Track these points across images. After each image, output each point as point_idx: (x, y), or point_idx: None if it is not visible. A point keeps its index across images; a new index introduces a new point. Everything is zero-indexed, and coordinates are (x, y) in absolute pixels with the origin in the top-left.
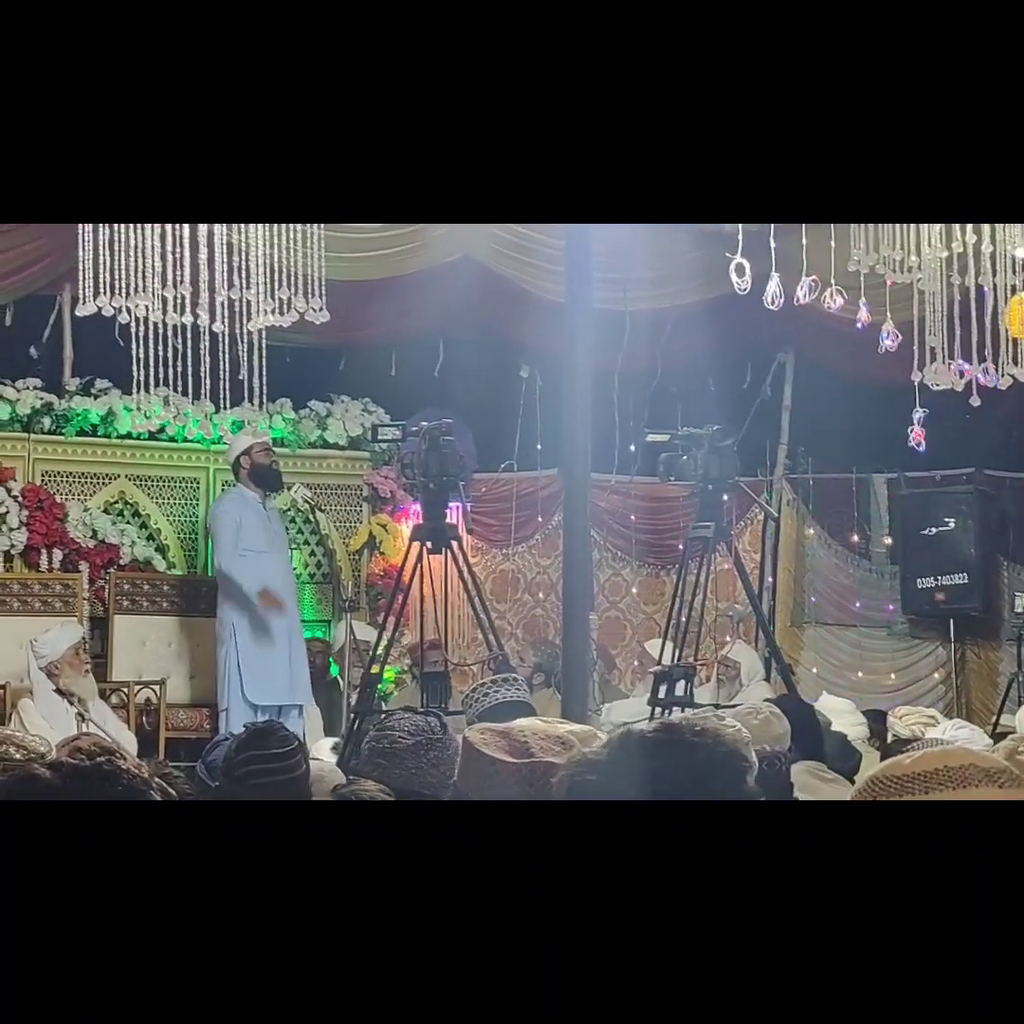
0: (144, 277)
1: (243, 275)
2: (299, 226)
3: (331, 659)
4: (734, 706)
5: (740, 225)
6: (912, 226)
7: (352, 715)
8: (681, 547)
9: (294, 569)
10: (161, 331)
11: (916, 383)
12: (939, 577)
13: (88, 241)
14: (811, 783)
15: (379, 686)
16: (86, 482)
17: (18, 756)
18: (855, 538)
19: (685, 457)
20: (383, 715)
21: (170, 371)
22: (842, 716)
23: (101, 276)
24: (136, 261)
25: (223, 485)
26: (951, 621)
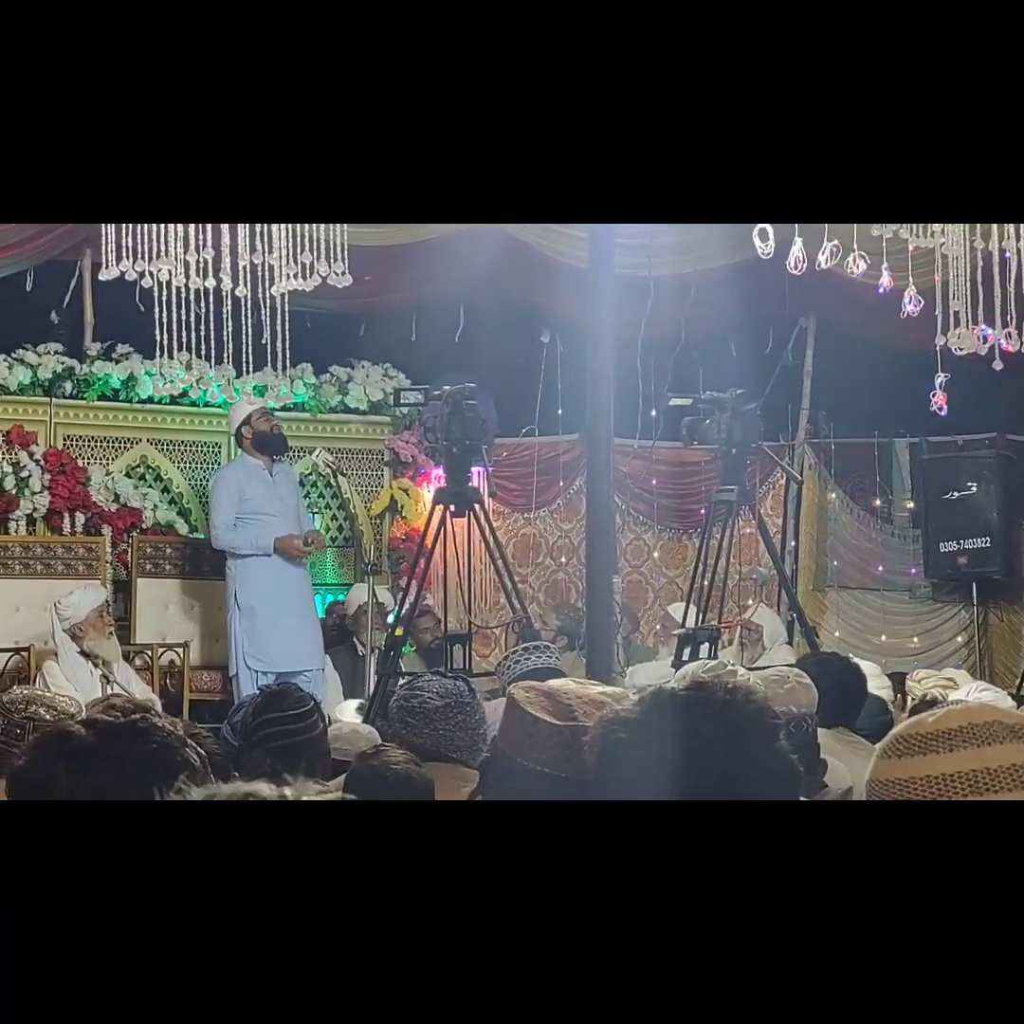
0: (166, 241)
1: (265, 239)
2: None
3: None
4: (759, 668)
5: None
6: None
7: (377, 677)
8: (704, 511)
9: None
10: (183, 295)
11: (938, 348)
12: (961, 541)
13: None
14: (834, 746)
15: (402, 648)
16: (108, 446)
17: (48, 717)
18: (877, 502)
19: (708, 421)
20: (410, 676)
21: (192, 335)
22: (868, 679)
23: (123, 241)
24: (158, 225)
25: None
26: (974, 584)
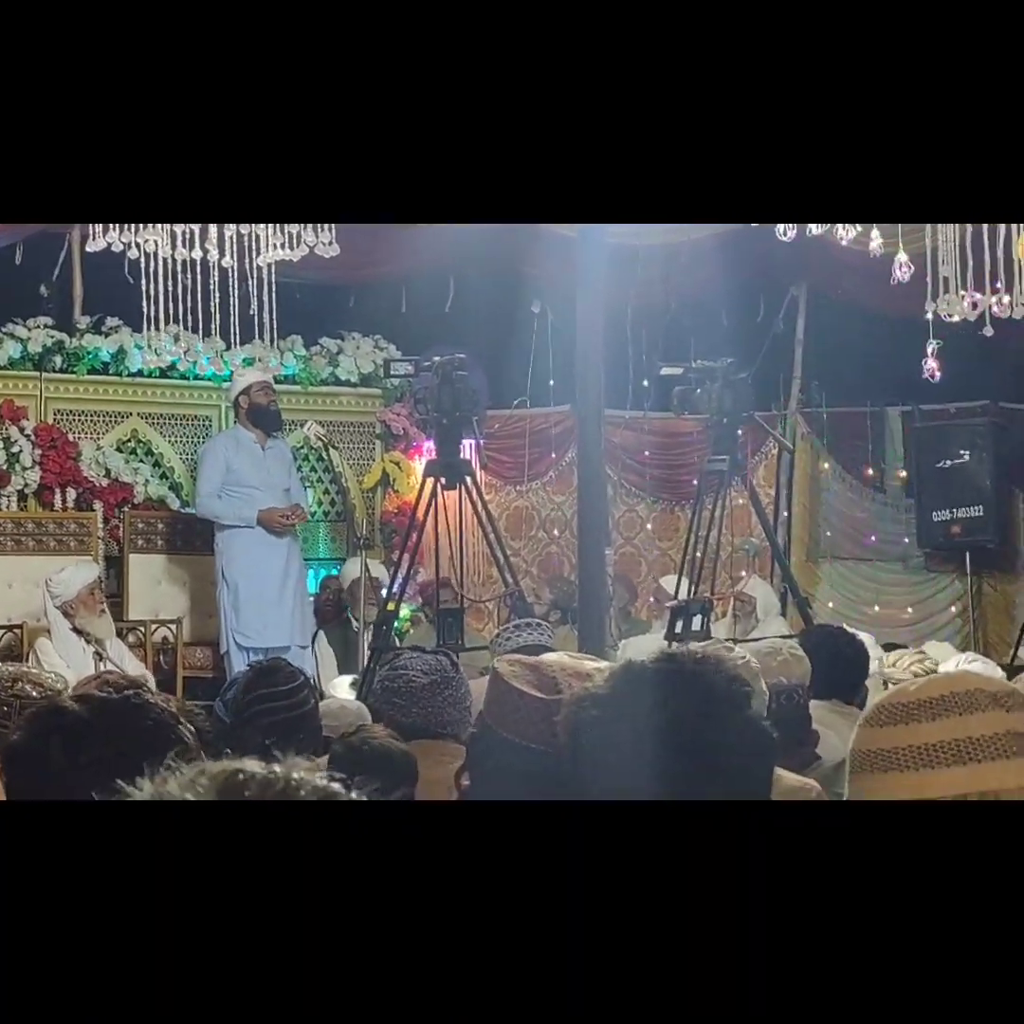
0: None
1: None
2: None
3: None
4: (753, 640)
5: None
6: None
7: (369, 652)
8: (696, 482)
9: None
10: (171, 266)
11: (929, 314)
12: (954, 510)
13: None
14: (826, 716)
15: (395, 624)
16: (98, 420)
17: (34, 694)
18: (870, 471)
19: (699, 391)
20: (393, 654)
21: (180, 307)
22: None
23: None
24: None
25: (234, 424)
26: (967, 554)
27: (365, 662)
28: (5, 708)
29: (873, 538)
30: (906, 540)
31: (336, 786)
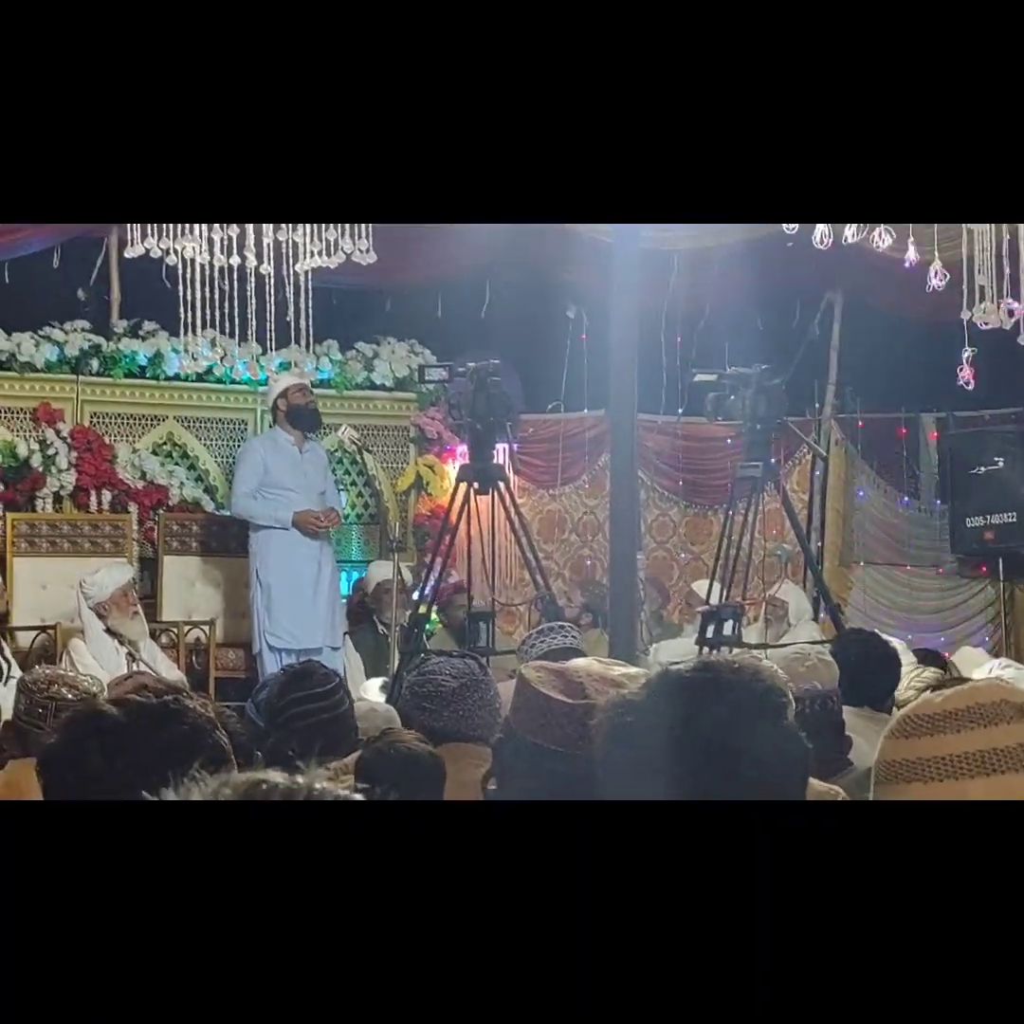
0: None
1: None
2: None
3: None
4: (783, 645)
5: None
6: None
7: (401, 655)
8: (729, 487)
9: (341, 510)
10: (208, 273)
11: (964, 322)
12: (988, 516)
13: None
14: (856, 723)
15: (427, 626)
16: (134, 424)
17: (69, 696)
18: (904, 478)
19: (733, 397)
20: (420, 659)
21: (217, 312)
22: None
23: None
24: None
25: (270, 427)
26: (1000, 560)
27: (395, 665)
28: (41, 710)
29: (907, 543)
30: (939, 546)
31: (359, 797)
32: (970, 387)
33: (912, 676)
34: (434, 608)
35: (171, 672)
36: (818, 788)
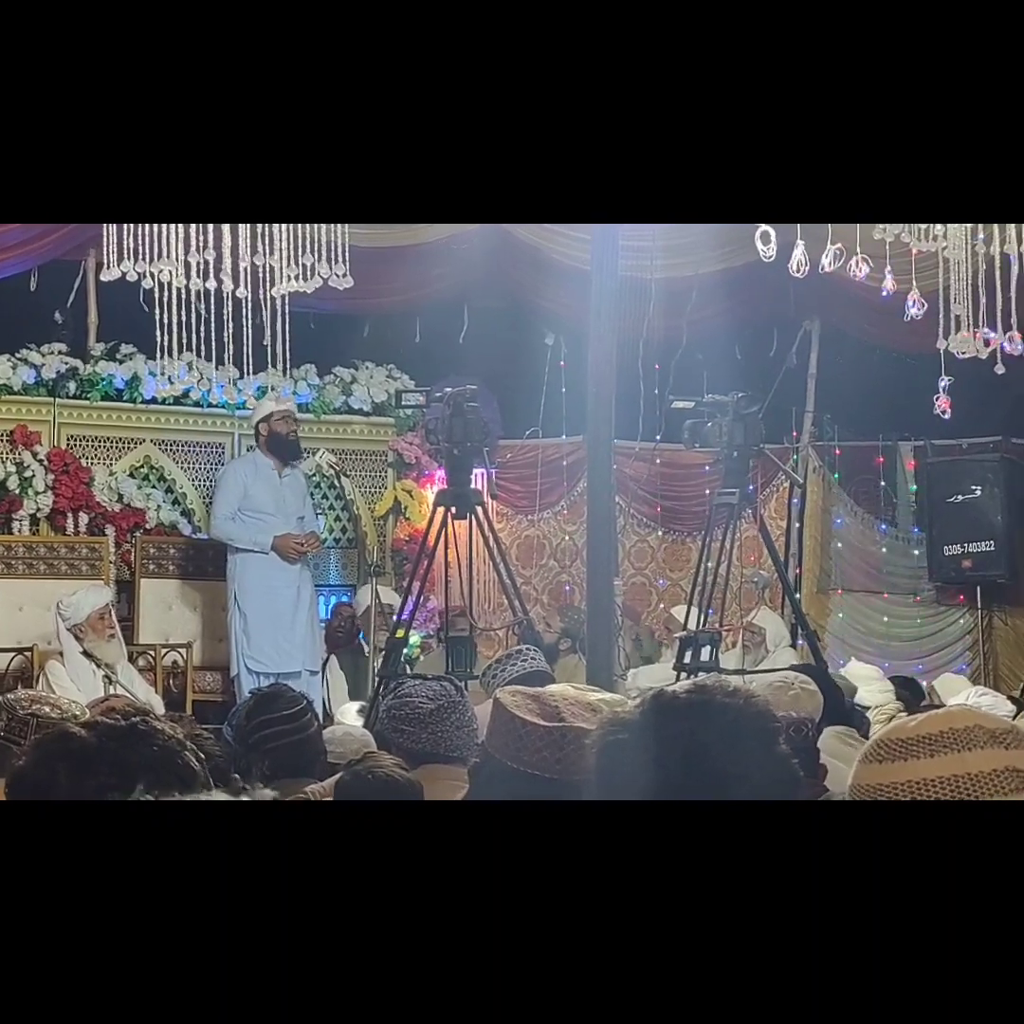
0: (167, 243)
1: (266, 241)
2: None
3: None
4: (764, 671)
5: None
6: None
7: (378, 679)
8: (706, 514)
9: (320, 535)
10: (185, 296)
11: (941, 351)
12: (966, 544)
13: None
14: (840, 749)
15: (405, 650)
16: (111, 446)
17: (54, 715)
18: (881, 506)
19: (710, 424)
20: (396, 683)
21: (194, 336)
22: (869, 682)
23: (125, 241)
24: (159, 227)
25: (247, 449)
26: (978, 588)
27: (372, 689)
28: (22, 727)
29: (884, 571)
30: (917, 574)
31: None
32: (946, 416)
33: (882, 706)
34: (416, 631)
35: (149, 695)
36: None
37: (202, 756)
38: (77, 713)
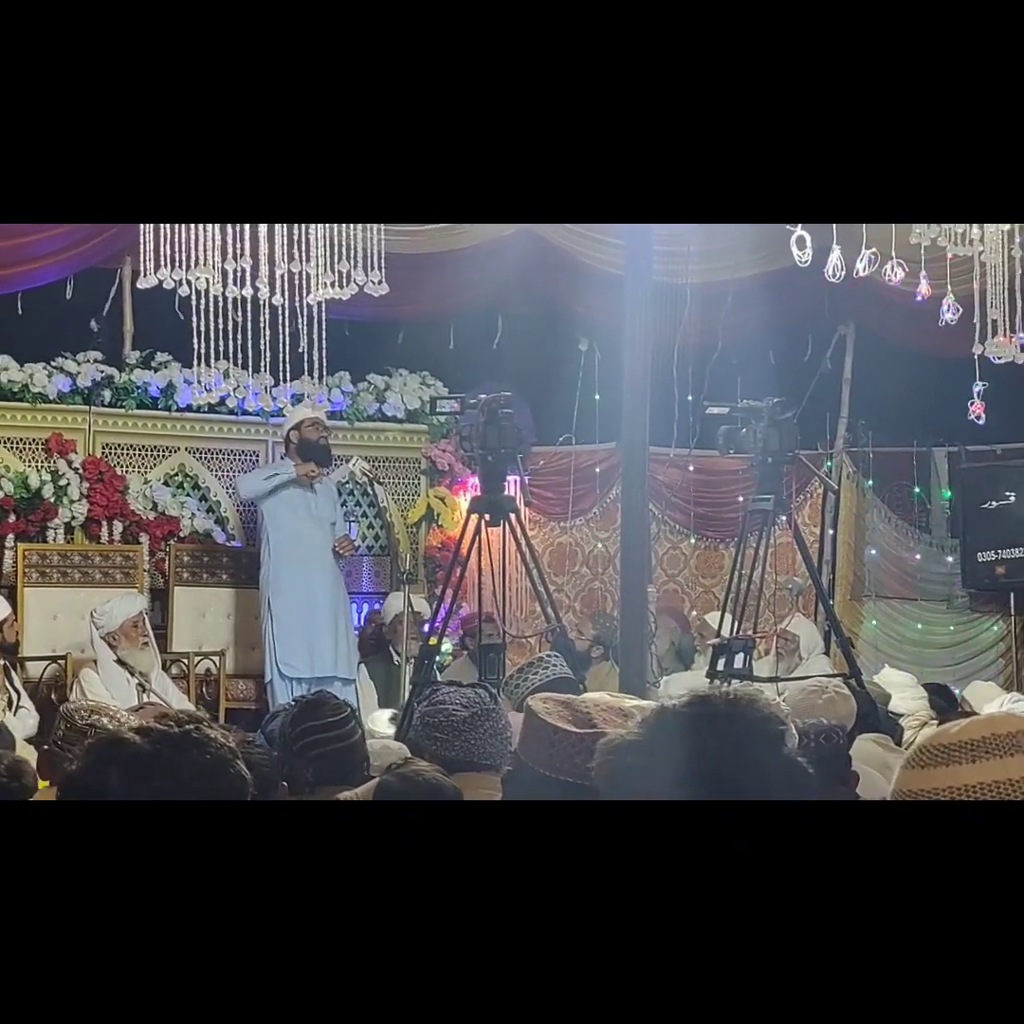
0: (204, 250)
1: (302, 248)
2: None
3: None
4: (798, 679)
5: None
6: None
7: (411, 686)
8: (740, 520)
9: (355, 541)
10: (221, 304)
11: (977, 356)
12: (1000, 551)
13: None
14: (876, 752)
15: (437, 658)
16: (146, 455)
17: (111, 727)
18: (915, 512)
19: (745, 430)
20: (430, 690)
21: (230, 344)
22: (903, 689)
23: (161, 249)
24: (196, 234)
25: (280, 458)
26: (1012, 595)
27: (405, 697)
28: (80, 737)
29: (918, 577)
30: (951, 580)
31: None
32: (981, 422)
33: (915, 713)
34: (448, 639)
35: (182, 703)
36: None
37: (252, 764)
38: (135, 725)
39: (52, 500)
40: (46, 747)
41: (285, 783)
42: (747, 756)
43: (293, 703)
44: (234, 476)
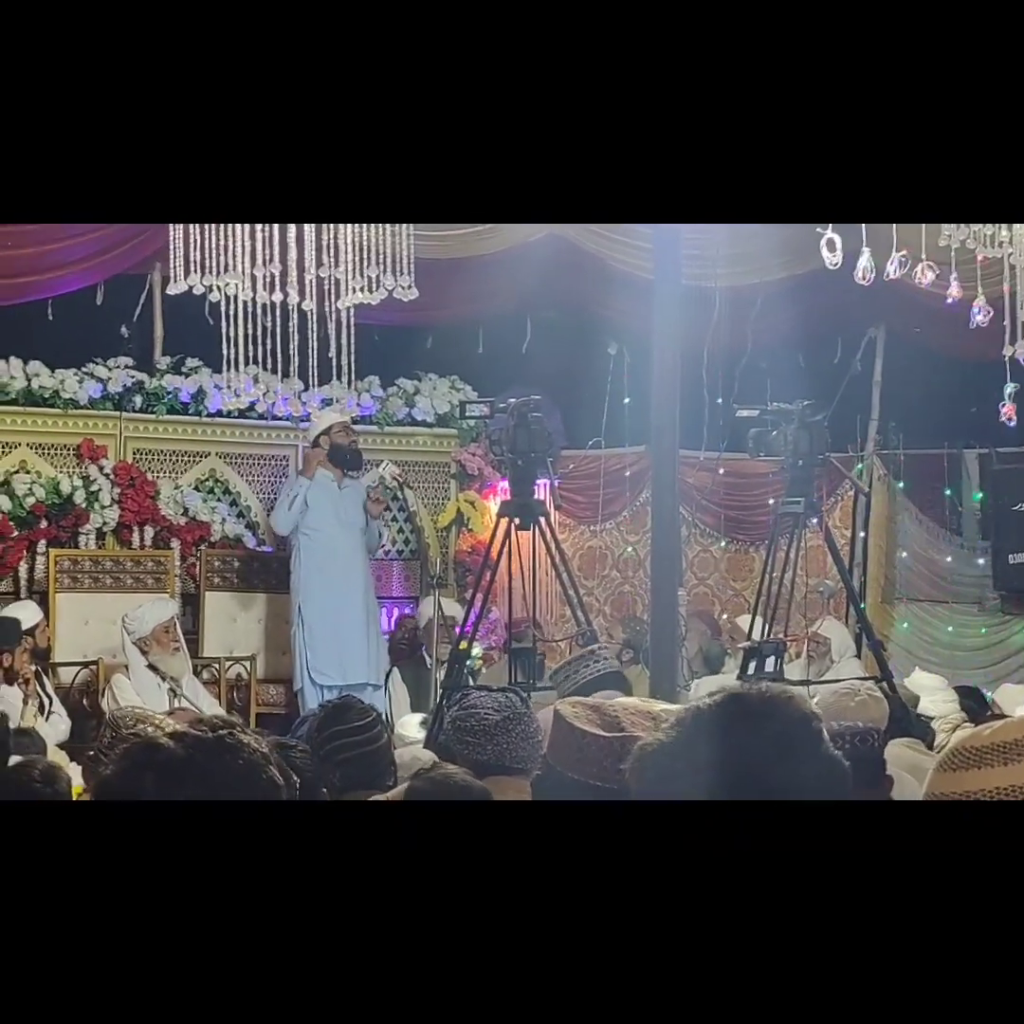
0: (234, 256)
1: (332, 253)
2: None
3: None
4: (830, 682)
5: None
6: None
7: (440, 690)
8: (770, 523)
9: (384, 546)
10: (250, 309)
11: (1007, 358)
12: None
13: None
14: (907, 755)
15: (468, 662)
16: (177, 460)
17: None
18: (946, 514)
19: (775, 433)
20: (461, 694)
21: (259, 349)
22: (934, 692)
23: (191, 255)
24: (226, 240)
25: (297, 475)
26: None
27: (435, 701)
28: (124, 745)
29: (949, 580)
30: (982, 582)
31: None
32: (1012, 424)
33: (946, 716)
34: (478, 643)
35: (213, 708)
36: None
37: (288, 770)
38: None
39: (83, 506)
40: (91, 754)
41: (324, 790)
42: (786, 755)
43: (319, 708)
44: (264, 482)
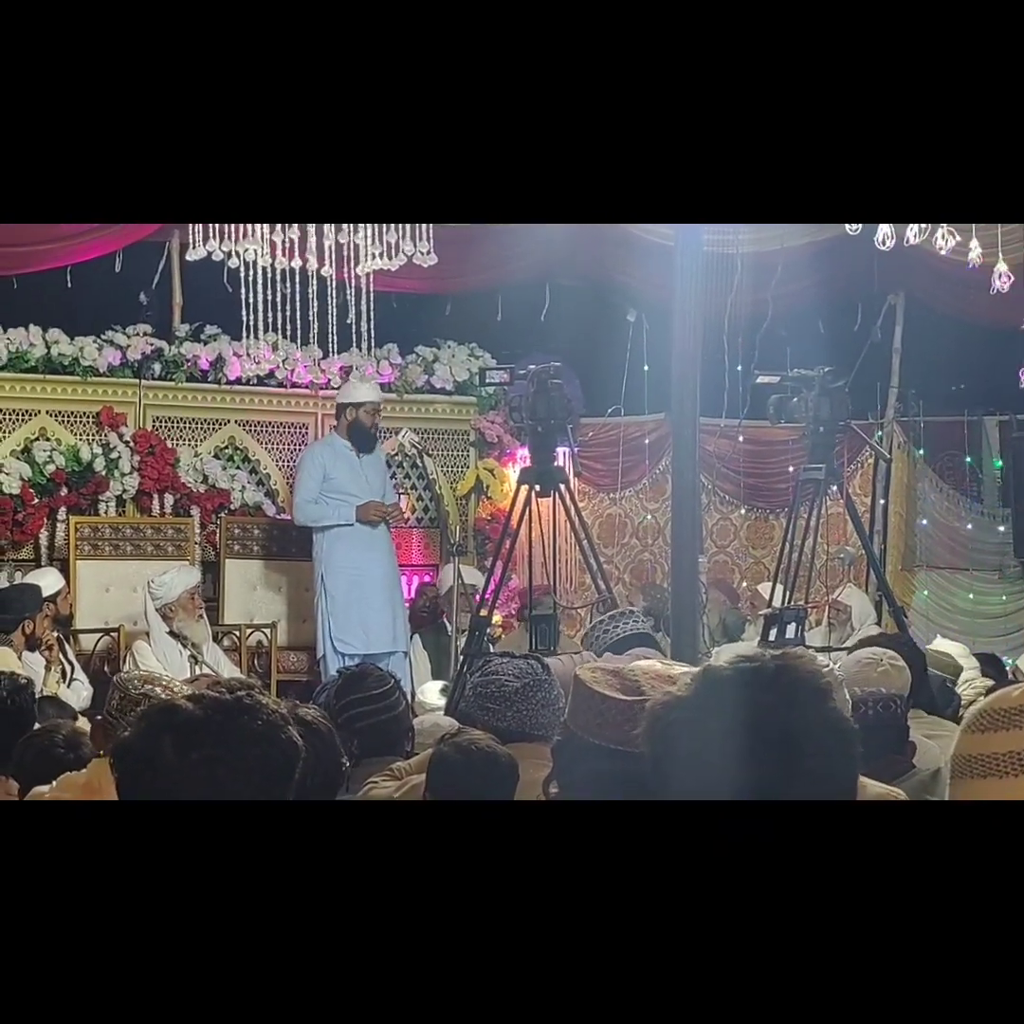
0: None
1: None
2: None
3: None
4: (852, 649)
5: None
6: None
7: (461, 658)
8: (790, 490)
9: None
10: (269, 275)
11: None
12: None
13: None
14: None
15: (487, 630)
16: (196, 427)
17: (164, 696)
18: (966, 481)
19: (795, 399)
20: (482, 661)
21: (278, 316)
22: (956, 659)
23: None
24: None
25: (332, 429)
26: None
27: (456, 668)
28: (133, 707)
29: (969, 547)
30: (1003, 550)
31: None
32: None
33: (971, 681)
34: (496, 611)
35: (234, 674)
36: (877, 790)
37: (299, 740)
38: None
39: (103, 473)
40: (100, 717)
41: (346, 760)
42: (794, 708)
43: (337, 674)
44: (284, 449)
